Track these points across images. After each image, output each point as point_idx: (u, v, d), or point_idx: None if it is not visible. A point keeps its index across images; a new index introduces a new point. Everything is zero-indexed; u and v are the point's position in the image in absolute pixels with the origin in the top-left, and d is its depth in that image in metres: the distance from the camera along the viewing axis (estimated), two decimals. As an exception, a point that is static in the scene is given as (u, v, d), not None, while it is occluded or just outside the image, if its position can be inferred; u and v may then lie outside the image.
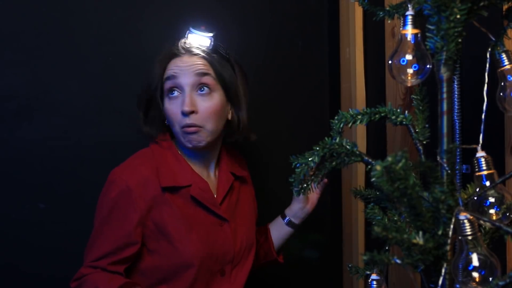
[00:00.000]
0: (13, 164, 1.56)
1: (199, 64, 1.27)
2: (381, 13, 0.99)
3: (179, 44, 1.30)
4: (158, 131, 1.35)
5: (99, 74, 1.63)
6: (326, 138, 0.96)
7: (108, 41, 1.64)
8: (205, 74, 1.27)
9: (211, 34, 1.31)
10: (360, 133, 1.75)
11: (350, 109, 0.98)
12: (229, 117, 1.34)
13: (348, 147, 0.95)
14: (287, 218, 1.49)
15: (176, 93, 1.27)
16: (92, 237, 1.27)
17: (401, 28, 0.89)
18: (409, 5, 0.87)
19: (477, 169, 0.87)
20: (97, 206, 1.28)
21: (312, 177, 1.01)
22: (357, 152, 0.95)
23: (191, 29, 1.31)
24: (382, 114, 0.97)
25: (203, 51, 1.29)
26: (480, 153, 0.88)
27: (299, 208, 1.47)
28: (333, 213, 1.92)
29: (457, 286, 0.82)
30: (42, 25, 1.58)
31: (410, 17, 0.87)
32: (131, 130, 1.65)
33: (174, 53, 1.30)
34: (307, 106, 1.92)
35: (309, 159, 0.93)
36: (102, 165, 1.62)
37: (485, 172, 0.86)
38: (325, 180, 1.48)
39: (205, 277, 1.28)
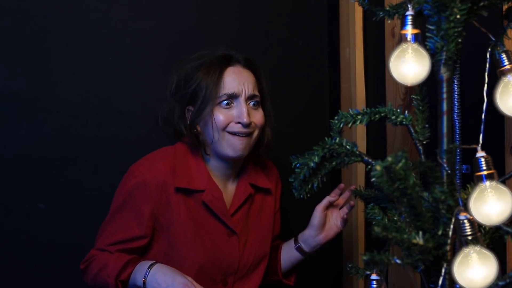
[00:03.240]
0: (13, 164, 1.56)
1: (252, 78, 1.32)
2: (381, 13, 0.98)
3: (233, 54, 1.32)
4: (186, 130, 1.33)
5: (99, 74, 1.63)
6: (326, 138, 0.96)
7: (108, 41, 1.64)
8: (255, 88, 1.32)
9: None
10: (360, 133, 1.75)
11: (350, 109, 0.98)
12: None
13: (348, 147, 0.95)
14: (298, 243, 1.40)
15: (228, 103, 1.28)
16: (105, 222, 1.31)
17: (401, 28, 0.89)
18: (409, 5, 0.87)
19: (477, 169, 0.87)
20: (115, 194, 1.31)
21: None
22: (357, 152, 0.95)
23: None
24: (382, 114, 0.97)
25: (254, 65, 1.34)
26: (480, 153, 0.87)
27: (310, 235, 1.37)
28: (333, 213, 1.92)
29: (457, 286, 0.82)
30: (42, 25, 1.58)
31: (410, 17, 0.87)
32: (131, 130, 1.65)
33: (229, 59, 1.31)
34: (307, 106, 1.92)
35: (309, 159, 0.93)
36: (102, 165, 1.63)
37: (485, 172, 0.86)
38: (351, 203, 1.38)
39: (206, 285, 1.27)
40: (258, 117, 1.31)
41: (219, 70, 1.28)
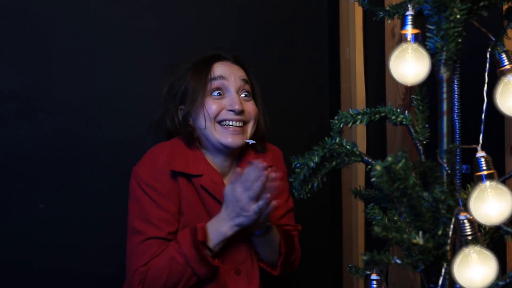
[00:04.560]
0: (13, 164, 1.56)
1: (242, 71, 1.37)
2: (381, 13, 0.98)
3: (221, 53, 1.37)
4: (179, 127, 1.35)
5: (99, 74, 1.63)
6: (326, 138, 0.96)
7: (107, 40, 1.64)
8: (247, 82, 1.36)
9: None
10: (360, 133, 1.75)
11: (350, 109, 0.98)
12: None
13: (348, 147, 0.95)
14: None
15: (219, 94, 1.32)
16: (134, 239, 1.24)
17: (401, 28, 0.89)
18: (409, 5, 0.87)
19: (477, 169, 0.87)
20: (132, 204, 1.28)
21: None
22: (357, 152, 0.95)
23: None
24: (382, 114, 0.97)
25: (242, 61, 1.39)
26: (480, 153, 0.87)
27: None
28: (333, 213, 1.92)
29: (457, 286, 0.82)
30: (41, 25, 1.58)
31: (410, 17, 0.87)
32: (131, 130, 1.66)
33: (218, 57, 1.36)
34: (307, 106, 1.92)
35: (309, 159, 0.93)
36: (102, 165, 1.63)
37: (485, 172, 0.86)
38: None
39: (221, 273, 1.27)
40: (250, 106, 1.34)
41: (208, 65, 1.33)
